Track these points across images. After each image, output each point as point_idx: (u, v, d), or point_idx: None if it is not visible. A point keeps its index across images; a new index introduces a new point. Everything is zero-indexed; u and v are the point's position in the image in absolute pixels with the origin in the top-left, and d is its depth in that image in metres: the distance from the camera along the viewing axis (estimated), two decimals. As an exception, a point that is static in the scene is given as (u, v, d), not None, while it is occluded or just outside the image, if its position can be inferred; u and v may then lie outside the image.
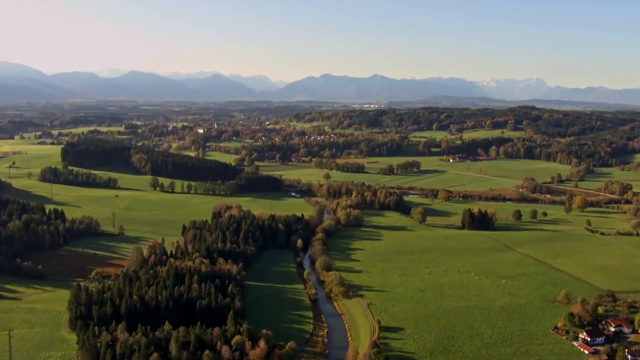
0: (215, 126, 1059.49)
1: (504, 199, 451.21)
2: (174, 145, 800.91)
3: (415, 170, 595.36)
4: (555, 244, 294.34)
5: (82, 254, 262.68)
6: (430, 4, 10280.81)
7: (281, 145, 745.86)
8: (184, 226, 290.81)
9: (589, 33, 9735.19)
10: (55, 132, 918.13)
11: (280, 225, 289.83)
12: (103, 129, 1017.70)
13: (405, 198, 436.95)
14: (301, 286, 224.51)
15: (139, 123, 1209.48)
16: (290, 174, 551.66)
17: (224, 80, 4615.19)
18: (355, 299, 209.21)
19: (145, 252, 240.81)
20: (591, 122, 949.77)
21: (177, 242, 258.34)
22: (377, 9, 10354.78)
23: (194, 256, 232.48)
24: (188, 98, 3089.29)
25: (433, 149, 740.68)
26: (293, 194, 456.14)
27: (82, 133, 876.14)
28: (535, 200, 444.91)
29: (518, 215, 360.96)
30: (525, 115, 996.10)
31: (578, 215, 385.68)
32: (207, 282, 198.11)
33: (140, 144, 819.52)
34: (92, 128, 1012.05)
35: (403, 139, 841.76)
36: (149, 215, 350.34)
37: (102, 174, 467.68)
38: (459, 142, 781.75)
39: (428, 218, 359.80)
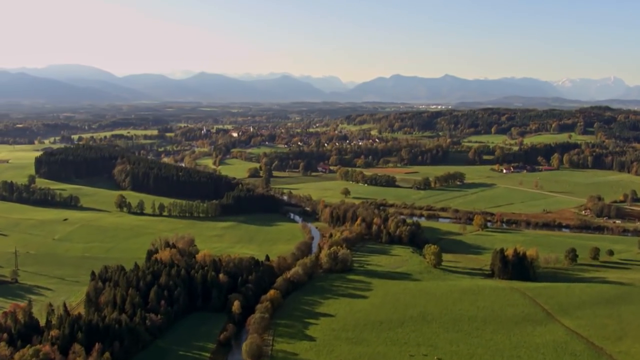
0: (251, 129, 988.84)
1: (560, 226, 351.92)
2: (197, 150, 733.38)
3: (458, 183, 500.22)
4: (621, 310, 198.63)
5: None
6: (503, 4, 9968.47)
7: (311, 152, 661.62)
8: (92, 274, 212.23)
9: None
10: (75, 137, 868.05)
11: (221, 275, 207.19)
12: (137, 132, 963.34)
13: (432, 224, 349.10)
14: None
15: (182, 125, 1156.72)
16: (306, 188, 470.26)
17: (293, 81, 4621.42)
18: None
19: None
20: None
21: (49, 305, 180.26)
22: (448, 9, 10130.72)
23: (50, 335, 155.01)
24: (255, 99, 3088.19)
25: (485, 157, 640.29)
26: (293, 215, 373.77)
27: (105, 137, 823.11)
28: (600, 229, 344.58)
29: (573, 255, 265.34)
30: (597, 116, 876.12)
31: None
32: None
33: (162, 149, 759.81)
34: (124, 132, 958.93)
35: (455, 143, 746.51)
36: (82, 249, 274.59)
37: (73, 189, 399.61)
38: (515, 148, 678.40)
39: (450, 257, 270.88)
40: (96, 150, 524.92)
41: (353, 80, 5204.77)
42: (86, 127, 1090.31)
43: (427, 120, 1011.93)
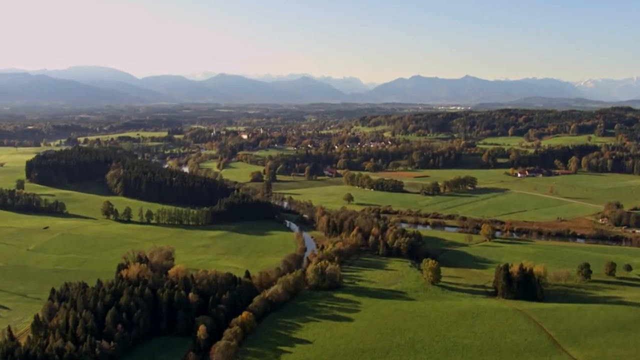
0: (261, 131, 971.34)
1: (574, 236, 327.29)
2: (204, 153, 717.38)
3: (469, 188, 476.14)
4: (638, 338, 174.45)
5: None
6: (525, 5, 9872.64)
7: (318, 154, 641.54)
8: (52, 292, 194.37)
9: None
10: (81, 139, 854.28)
11: (191, 294, 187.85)
12: (146, 134, 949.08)
13: (437, 233, 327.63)
14: None
15: (193, 127, 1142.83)
16: (309, 193, 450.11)
17: (313, 82, 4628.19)
18: None
19: None
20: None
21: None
22: (469, 10, 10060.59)
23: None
24: (274, 100, 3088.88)
25: (499, 160, 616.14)
26: (289, 224, 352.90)
27: (112, 139, 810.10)
28: (617, 239, 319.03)
29: (586, 270, 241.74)
30: (618, 117, 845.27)
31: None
32: None
33: (168, 152, 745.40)
34: (133, 134, 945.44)
35: (469, 146, 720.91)
36: (55, 261, 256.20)
37: (62, 195, 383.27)
38: (531, 151, 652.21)
39: (451, 272, 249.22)
40: (91, 153, 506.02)
41: (373, 81, 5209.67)
42: (97, 129, 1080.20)
43: (442, 122, 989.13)
